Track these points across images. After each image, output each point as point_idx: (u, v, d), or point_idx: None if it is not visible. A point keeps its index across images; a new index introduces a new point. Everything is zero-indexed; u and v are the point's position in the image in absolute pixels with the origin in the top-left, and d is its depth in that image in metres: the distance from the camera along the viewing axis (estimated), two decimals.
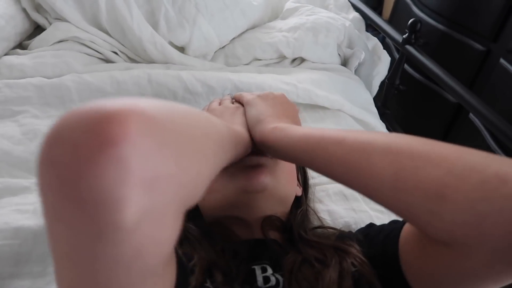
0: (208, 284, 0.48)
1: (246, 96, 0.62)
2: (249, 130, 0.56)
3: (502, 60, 1.27)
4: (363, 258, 0.51)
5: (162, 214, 0.27)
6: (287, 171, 0.63)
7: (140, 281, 0.29)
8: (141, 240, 0.26)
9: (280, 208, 0.63)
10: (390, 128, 1.33)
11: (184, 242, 0.58)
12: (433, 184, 0.35)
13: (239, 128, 0.54)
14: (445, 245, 0.38)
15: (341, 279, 0.48)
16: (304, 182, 0.75)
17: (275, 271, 0.52)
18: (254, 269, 0.51)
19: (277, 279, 0.50)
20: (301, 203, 0.69)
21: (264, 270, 0.51)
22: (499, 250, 0.34)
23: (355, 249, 0.53)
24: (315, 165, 0.46)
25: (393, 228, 0.51)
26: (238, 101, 0.64)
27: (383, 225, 0.56)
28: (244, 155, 0.53)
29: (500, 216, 0.32)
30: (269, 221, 0.60)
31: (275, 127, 0.53)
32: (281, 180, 0.60)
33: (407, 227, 0.48)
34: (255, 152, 0.57)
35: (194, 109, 0.35)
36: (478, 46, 1.36)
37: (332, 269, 0.49)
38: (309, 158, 0.46)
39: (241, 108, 0.61)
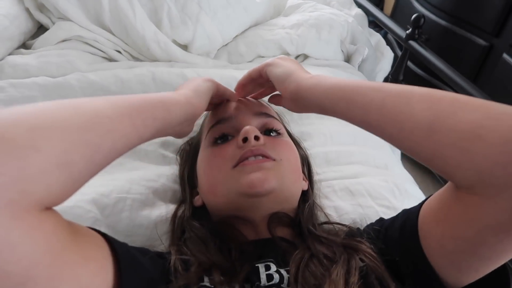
0: (205, 283, 0.48)
1: (266, 61, 0.66)
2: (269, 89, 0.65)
3: (505, 55, 1.27)
4: (373, 254, 0.51)
5: None
6: (291, 170, 0.63)
7: None
8: None
9: (287, 206, 0.63)
10: None
11: (188, 241, 0.58)
12: (469, 125, 0.38)
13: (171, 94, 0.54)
14: (469, 193, 0.41)
15: (348, 275, 0.48)
16: (309, 175, 0.75)
17: (280, 266, 0.52)
18: (257, 267, 0.51)
19: (280, 276, 0.50)
20: (307, 197, 0.69)
21: (267, 268, 0.51)
22: None
23: (364, 246, 0.53)
24: (350, 112, 0.49)
25: (410, 211, 0.53)
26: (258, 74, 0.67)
27: (396, 216, 0.57)
28: (188, 117, 0.54)
29: None
30: (276, 218, 0.60)
31: (311, 76, 0.57)
32: (285, 181, 0.60)
33: (427, 202, 0.50)
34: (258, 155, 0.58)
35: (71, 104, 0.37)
36: (480, 41, 1.36)
37: (340, 266, 0.49)
38: (345, 104, 0.50)
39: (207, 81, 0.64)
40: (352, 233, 0.60)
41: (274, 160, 0.59)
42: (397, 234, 0.53)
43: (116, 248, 0.42)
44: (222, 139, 0.63)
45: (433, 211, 0.48)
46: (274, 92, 0.71)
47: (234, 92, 0.71)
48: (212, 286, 0.47)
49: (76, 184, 0.36)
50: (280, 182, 0.57)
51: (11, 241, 0.29)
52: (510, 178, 0.36)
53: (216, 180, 0.59)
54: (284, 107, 0.66)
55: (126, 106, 0.42)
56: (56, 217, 0.35)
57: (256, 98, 0.74)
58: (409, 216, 0.52)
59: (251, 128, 0.59)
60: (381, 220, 0.61)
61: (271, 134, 0.65)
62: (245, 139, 0.59)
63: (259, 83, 0.70)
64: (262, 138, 0.60)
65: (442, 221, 0.46)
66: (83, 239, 0.39)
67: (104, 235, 0.43)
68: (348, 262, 0.50)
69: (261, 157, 0.58)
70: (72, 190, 0.36)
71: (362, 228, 0.63)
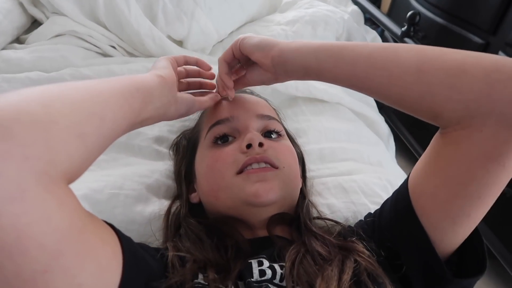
0: (199, 280, 0.48)
1: (235, 40, 0.63)
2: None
3: (501, 53, 1.27)
4: (367, 253, 0.52)
5: None
6: (293, 176, 0.63)
7: None
8: None
9: (287, 208, 0.63)
10: (389, 121, 1.33)
11: (184, 238, 0.58)
12: (455, 63, 0.43)
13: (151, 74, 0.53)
14: (456, 129, 0.45)
15: (341, 274, 0.48)
16: (303, 173, 0.75)
17: (274, 261, 0.52)
18: (250, 263, 0.51)
19: (273, 272, 0.50)
20: (305, 194, 0.70)
21: (260, 263, 0.51)
22: (505, 115, 0.41)
23: (359, 245, 0.54)
24: (337, 68, 0.52)
25: (398, 188, 0.56)
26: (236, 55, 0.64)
27: (385, 201, 0.60)
28: (165, 91, 0.53)
29: (509, 83, 0.40)
30: (275, 219, 0.60)
31: (294, 40, 0.58)
32: (288, 188, 0.61)
33: (412, 171, 0.54)
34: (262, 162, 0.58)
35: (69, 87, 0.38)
36: (477, 39, 1.36)
37: (335, 266, 0.49)
38: (332, 61, 0.52)
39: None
40: (345, 232, 0.60)
41: (277, 168, 0.59)
42: (390, 213, 0.55)
43: (122, 238, 0.42)
44: (222, 139, 0.63)
45: (421, 170, 0.52)
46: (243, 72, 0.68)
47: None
48: (206, 284, 0.47)
49: (90, 157, 0.38)
50: (283, 190, 0.58)
51: (47, 212, 0.31)
52: (493, 105, 0.42)
53: (219, 186, 0.59)
54: (257, 83, 0.65)
55: (113, 84, 0.44)
56: (75, 195, 0.36)
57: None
58: (399, 191, 0.56)
59: (256, 135, 0.60)
60: (369, 214, 0.63)
61: (272, 135, 0.66)
62: (249, 145, 0.59)
63: (231, 66, 0.67)
64: (266, 144, 0.60)
65: (432, 172, 0.49)
66: (98, 222, 0.40)
67: (110, 224, 0.43)
68: (342, 262, 0.50)
69: (264, 164, 0.58)
70: (87, 164, 0.38)
71: (353, 225, 0.64)
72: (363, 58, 0.50)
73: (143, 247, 0.52)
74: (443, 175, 0.48)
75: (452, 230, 0.49)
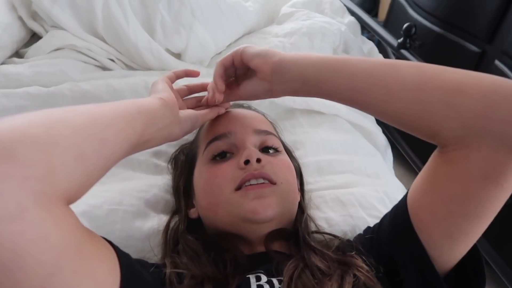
0: None
1: (236, 48, 0.62)
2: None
3: (497, 62, 1.27)
4: (367, 268, 0.52)
5: None
6: (291, 191, 0.63)
7: None
8: None
9: (285, 224, 0.63)
10: (387, 132, 1.33)
11: (182, 253, 0.58)
12: (453, 83, 0.44)
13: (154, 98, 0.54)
14: (454, 149, 0.46)
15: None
16: (301, 186, 0.75)
17: (272, 276, 0.52)
18: (248, 278, 0.51)
19: (271, 286, 0.50)
20: (303, 208, 0.70)
21: (258, 279, 0.51)
22: (502, 136, 0.42)
23: (358, 260, 0.54)
24: (336, 80, 0.52)
25: (397, 204, 0.57)
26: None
27: (384, 216, 0.60)
28: (167, 113, 0.53)
29: (506, 105, 0.41)
30: (273, 234, 0.60)
31: (296, 52, 0.59)
32: (286, 204, 0.61)
33: (411, 187, 0.54)
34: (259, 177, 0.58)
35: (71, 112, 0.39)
36: (473, 47, 1.37)
37: (334, 281, 0.49)
38: (331, 73, 0.52)
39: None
40: (344, 246, 0.60)
41: (275, 183, 0.59)
42: (389, 228, 0.55)
43: (119, 255, 0.43)
44: (220, 156, 0.63)
45: (419, 187, 0.52)
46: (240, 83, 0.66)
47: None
48: None
49: (90, 178, 0.39)
50: (281, 206, 0.58)
51: (45, 231, 0.32)
52: (490, 125, 0.42)
53: (217, 202, 0.60)
54: (249, 96, 0.64)
55: (115, 107, 0.45)
56: (74, 214, 0.37)
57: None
58: (398, 206, 0.56)
59: (253, 151, 0.60)
60: (368, 228, 0.63)
61: (269, 151, 0.66)
62: (247, 162, 0.59)
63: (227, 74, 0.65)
64: (263, 160, 0.60)
65: (430, 190, 0.50)
66: (96, 239, 0.41)
67: (108, 241, 0.44)
68: (341, 277, 0.50)
69: (262, 180, 0.59)
70: (87, 184, 0.39)
71: (352, 239, 0.64)
72: (363, 72, 0.50)
73: (141, 263, 0.52)
74: (441, 193, 0.48)
75: (451, 247, 0.49)
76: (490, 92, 0.43)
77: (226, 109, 0.67)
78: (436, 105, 0.45)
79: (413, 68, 0.48)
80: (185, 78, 0.70)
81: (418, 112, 0.46)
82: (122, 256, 0.43)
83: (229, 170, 0.60)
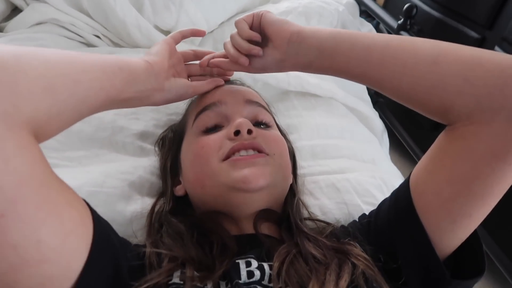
0: (174, 280, 0.46)
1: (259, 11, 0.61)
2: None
3: (497, 48, 1.25)
4: (365, 256, 0.51)
5: None
6: (284, 165, 0.61)
7: None
8: None
9: (276, 202, 0.61)
10: (383, 116, 1.30)
11: (165, 235, 0.56)
12: (470, 57, 0.44)
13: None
14: (465, 124, 0.45)
15: (338, 279, 0.47)
16: (293, 169, 0.73)
17: (262, 261, 0.50)
18: (238, 264, 0.49)
19: (262, 272, 0.48)
20: (295, 191, 0.67)
21: (248, 264, 0.49)
22: None
23: (356, 248, 0.52)
24: (352, 52, 0.51)
25: (398, 187, 0.56)
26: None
27: (381, 202, 0.59)
28: (149, 76, 0.53)
29: None
30: (263, 215, 0.58)
31: (313, 26, 0.60)
32: (278, 177, 0.58)
33: (414, 170, 0.53)
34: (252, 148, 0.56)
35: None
36: (473, 33, 1.34)
37: (332, 270, 0.48)
38: (348, 44, 0.52)
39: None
40: (338, 232, 0.58)
41: (267, 154, 0.57)
42: (389, 212, 0.54)
43: (94, 215, 0.42)
44: (210, 128, 0.61)
45: (424, 167, 0.51)
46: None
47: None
48: (182, 282, 0.45)
49: (61, 116, 0.39)
50: (273, 177, 0.55)
51: (6, 152, 0.32)
52: (505, 101, 0.42)
53: (204, 172, 0.57)
54: (258, 69, 0.61)
55: (96, 57, 0.45)
56: (41, 152, 0.37)
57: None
58: (399, 190, 0.55)
59: (244, 121, 0.57)
60: (364, 215, 0.62)
61: (261, 126, 0.63)
62: (237, 132, 0.56)
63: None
64: (255, 131, 0.57)
65: (436, 169, 0.49)
66: (68, 189, 0.40)
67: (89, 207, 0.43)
68: (339, 267, 0.49)
69: (252, 151, 0.56)
70: (58, 122, 0.39)
71: (346, 225, 0.62)
72: (379, 45, 0.50)
73: (123, 242, 0.50)
74: (448, 172, 0.47)
75: (452, 230, 0.48)
76: (508, 67, 0.42)
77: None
78: (451, 79, 0.44)
79: (429, 42, 0.47)
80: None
81: (433, 84, 0.45)
82: (97, 218, 0.42)
83: (217, 141, 0.57)
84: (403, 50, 0.48)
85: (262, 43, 0.59)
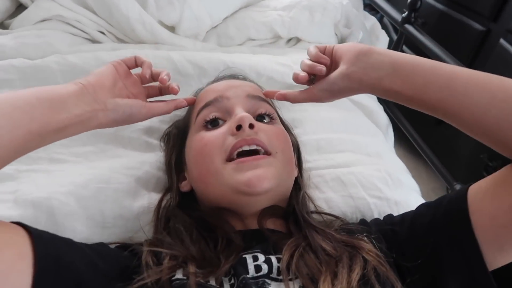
0: (177, 276, 0.46)
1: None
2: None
3: (502, 40, 1.24)
4: (377, 252, 0.50)
5: None
6: (287, 162, 0.60)
7: None
8: None
9: (281, 198, 0.61)
10: (388, 110, 1.30)
11: (171, 231, 0.56)
12: None
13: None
14: None
15: (350, 272, 0.47)
16: (299, 163, 0.73)
17: (269, 254, 0.50)
18: (245, 258, 0.49)
19: (269, 266, 0.48)
20: (300, 185, 0.67)
21: (255, 259, 0.49)
22: None
23: (367, 243, 0.52)
24: (435, 75, 0.49)
25: (450, 197, 0.54)
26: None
27: (419, 208, 0.58)
28: (85, 98, 0.51)
29: None
30: (267, 211, 0.58)
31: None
32: (282, 176, 0.58)
33: (474, 185, 0.52)
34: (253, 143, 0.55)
35: None
36: (477, 26, 1.33)
37: (345, 263, 0.48)
38: (429, 66, 0.50)
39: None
40: (348, 226, 0.58)
41: (270, 154, 0.56)
42: (437, 218, 0.53)
43: (37, 247, 0.41)
44: (212, 123, 0.61)
45: (486, 189, 0.50)
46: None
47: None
48: (185, 278, 0.45)
49: None
50: (277, 178, 0.55)
51: None
52: None
53: (208, 171, 0.57)
54: (319, 95, 0.59)
55: (6, 95, 0.44)
56: None
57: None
58: (452, 199, 0.53)
59: (246, 116, 0.57)
60: (391, 216, 0.61)
61: (264, 120, 0.63)
62: (239, 127, 0.56)
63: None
64: (257, 126, 0.57)
65: (497, 196, 0.48)
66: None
67: (28, 228, 0.42)
68: (350, 260, 0.49)
69: (255, 146, 0.56)
70: None
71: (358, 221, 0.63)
72: (464, 74, 0.48)
73: (103, 248, 0.51)
74: (507, 203, 0.47)
75: (496, 254, 0.49)
76: None
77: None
78: None
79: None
80: (179, 54, 0.67)
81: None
82: (41, 243, 0.41)
83: (220, 137, 0.57)
84: (491, 83, 0.46)
85: (332, 71, 0.57)
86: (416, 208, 0.58)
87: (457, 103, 0.47)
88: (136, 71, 0.62)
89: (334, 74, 0.56)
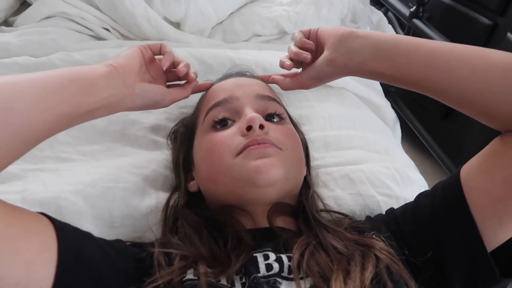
0: (188, 276, 0.46)
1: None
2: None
3: (509, 35, 1.23)
4: (389, 250, 0.50)
5: None
6: (296, 159, 0.60)
7: None
8: None
9: (290, 196, 0.60)
10: (395, 105, 1.29)
11: (180, 231, 0.56)
12: None
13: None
14: None
15: (363, 271, 0.46)
16: (307, 161, 0.72)
17: (280, 252, 0.50)
18: (256, 257, 0.49)
19: (280, 265, 0.48)
20: (309, 183, 0.67)
21: (266, 257, 0.49)
22: None
23: (379, 242, 0.51)
24: (416, 52, 0.50)
25: (445, 182, 0.54)
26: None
27: (418, 197, 0.58)
28: (115, 81, 0.50)
29: None
30: (277, 208, 0.58)
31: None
32: (291, 171, 0.57)
33: (465, 165, 0.52)
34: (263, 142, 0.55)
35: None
36: (484, 20, 1.32)
37: (358, 261, 0.47)
38: (411, 46, 0.50)
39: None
40: (359, 225, 0.58)
41: (280, 149, 0.56)
42: (435, 206, 0.53)
43: (60, 238, 0.41)
44: (221, 123, 0.60)
45: (478, 166, 0.51)
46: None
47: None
48: (196, 278, 0.45)
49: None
50: (286, 171, 0.55)
51: None
52: None
53: (217, 169, 0.56)
54: (308, 81, 0.62)
55: (36, 76, 0.43)
56: None
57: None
58: (446, 184, 0.53)
59: (256, 116, 0.56)
60: (392, 209, 0.61)
61: (274, 119, 0.62)
62: (250, 127, 0.56)
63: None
64: (267, 126, 0.57)
65: (489, 170, 0.48)
66: (23, 216, 0.40)
67: (53, 219, 0.42)
68: (362, 258, 0.48)
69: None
70: None
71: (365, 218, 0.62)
72: (446, 49, 0.48)
73: (121, 246, 0.50)
74: (501, 175, 0.47)
75: (496, 230, 0.48)
76: None
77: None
78: None
79: (496, 51, 0.46)
80: (185, 50, 0.67)
81: (506, 90, 0.44)
82: (64, 235, 0.41)
83: (230, 137, 0.57)
84: (471, 56, 0.47)
85: (318, 55, 0.60)
86: (415, 199, 0.58)
87: (441, 79, 0.48)
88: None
89: (319, 60, 0.58)
